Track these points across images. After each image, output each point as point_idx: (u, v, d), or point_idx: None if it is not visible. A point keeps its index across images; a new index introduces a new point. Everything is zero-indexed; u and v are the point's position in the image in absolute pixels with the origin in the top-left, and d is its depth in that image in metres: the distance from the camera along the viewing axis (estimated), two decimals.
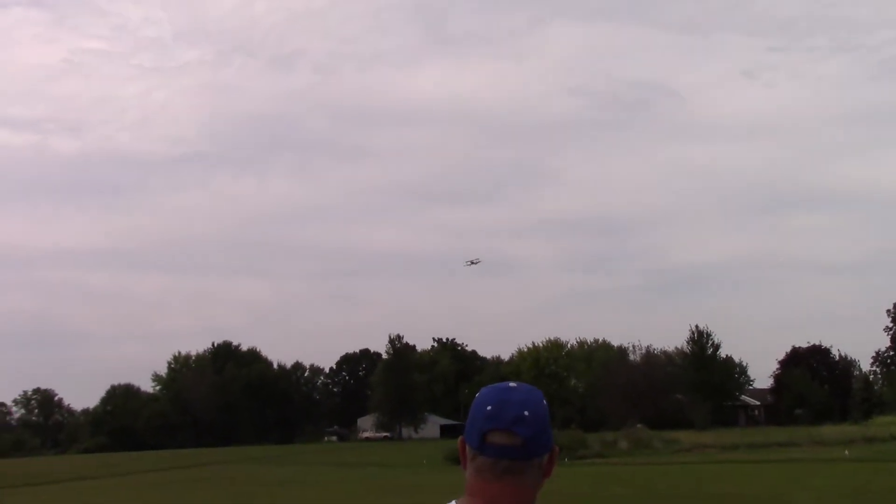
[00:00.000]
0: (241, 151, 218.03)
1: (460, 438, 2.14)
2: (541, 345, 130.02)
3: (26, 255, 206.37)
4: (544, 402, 2.12)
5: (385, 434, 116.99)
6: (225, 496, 37.90)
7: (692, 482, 35.02)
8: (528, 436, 2.02)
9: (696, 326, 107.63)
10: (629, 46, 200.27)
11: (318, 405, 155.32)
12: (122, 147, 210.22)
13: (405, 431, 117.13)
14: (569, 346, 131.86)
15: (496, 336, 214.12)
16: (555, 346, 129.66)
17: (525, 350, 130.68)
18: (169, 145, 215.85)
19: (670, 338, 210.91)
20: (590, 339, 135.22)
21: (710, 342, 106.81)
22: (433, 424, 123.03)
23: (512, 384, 2.15)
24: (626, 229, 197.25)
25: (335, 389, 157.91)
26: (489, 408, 2.05)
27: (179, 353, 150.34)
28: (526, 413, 2.04)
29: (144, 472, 68.86)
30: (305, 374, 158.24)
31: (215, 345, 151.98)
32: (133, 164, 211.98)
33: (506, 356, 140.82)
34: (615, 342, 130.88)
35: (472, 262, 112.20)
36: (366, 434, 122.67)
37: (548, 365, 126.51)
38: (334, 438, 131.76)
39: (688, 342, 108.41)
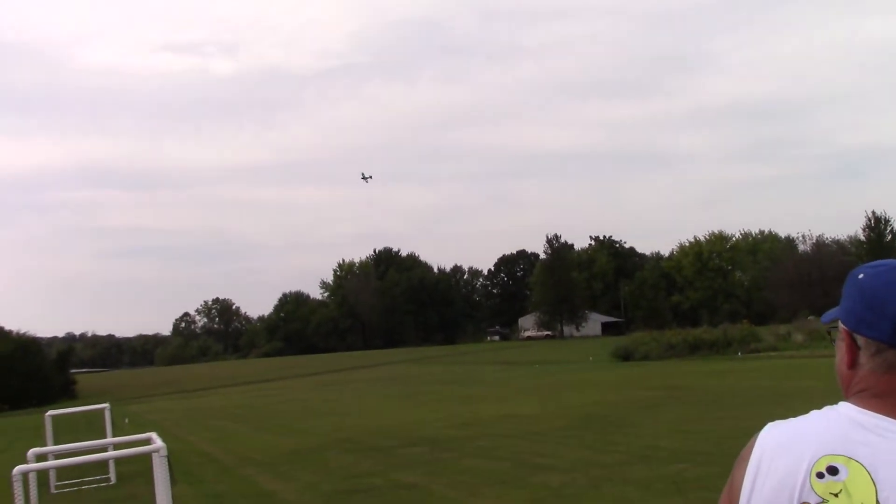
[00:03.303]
0: (391, 58, 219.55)
1: (842, 329, 1.78)
2: (703, 239, 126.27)
3: (196, 175, 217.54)
4: None
5: (547, 333, 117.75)
6: (400, 394, 39.08)
7: None
8: None
9: (873, 212, 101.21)
10: None
11: (479, 306, 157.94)
12: (275, 64, 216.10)
13: (566, 330, 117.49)
14: (733, 238, 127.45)
15: (655, 232, 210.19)
16: (718, 239, 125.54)
17: (686, 245, 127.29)
18: (320, 58, 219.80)
19: (843, 227, 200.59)
20: (755, 230, 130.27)
21: (889, 228, 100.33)
22: (594, 322, 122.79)
23: None
24: (792, 113, 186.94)
25: (494, 291, 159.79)
26: None
27: (343, 260, 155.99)
28: None
29: (320, 374, 72.35)
30: (464, 277, 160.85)
31: (377, 251, 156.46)
32: (287, 79, 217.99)
33: (665, 252, 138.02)
34: (782, 233, 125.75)
35: (365, 177, 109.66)
36: (528, 333, 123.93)
37: (711, 259, 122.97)
38: (496, 338, 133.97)
39: (863, 229, 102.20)
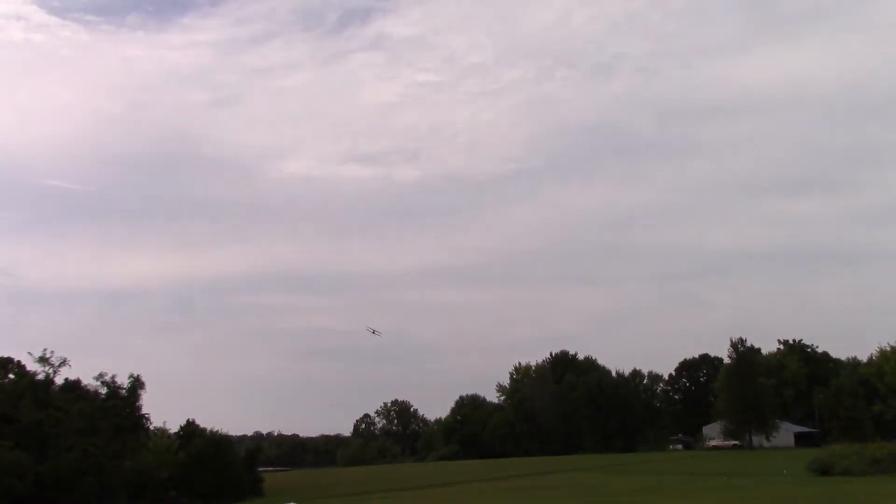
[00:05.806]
0: (566, 161, 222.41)
1: None
2: None
3: (377, 278, 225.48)
4: None
5: (734, 442, 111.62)
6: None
7: None
8: None
9: None
10: None
11: (660, 413, 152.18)
12: (455, 170, 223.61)
13: (755, 440, 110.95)
14: None
15: (851, 335, 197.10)
16: None
17: (888, 349, 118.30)
18: (498, 163, 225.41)
19: None
20: None
21: None
22: (786, 432, 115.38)
23: None
24: None
25: (676, 396, 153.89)
26: None
27: (520, 363, 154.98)
28: None
29: (497, 479, 71.35)
30: (644, 382, 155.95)
31: (553, 354, 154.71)
32: (467, 184, 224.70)
33: (863, 357, 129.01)
34: None
35: (374, 332, 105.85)
36: (713, 442, 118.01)
37: None
38: (679, 447, 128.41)
39: None
